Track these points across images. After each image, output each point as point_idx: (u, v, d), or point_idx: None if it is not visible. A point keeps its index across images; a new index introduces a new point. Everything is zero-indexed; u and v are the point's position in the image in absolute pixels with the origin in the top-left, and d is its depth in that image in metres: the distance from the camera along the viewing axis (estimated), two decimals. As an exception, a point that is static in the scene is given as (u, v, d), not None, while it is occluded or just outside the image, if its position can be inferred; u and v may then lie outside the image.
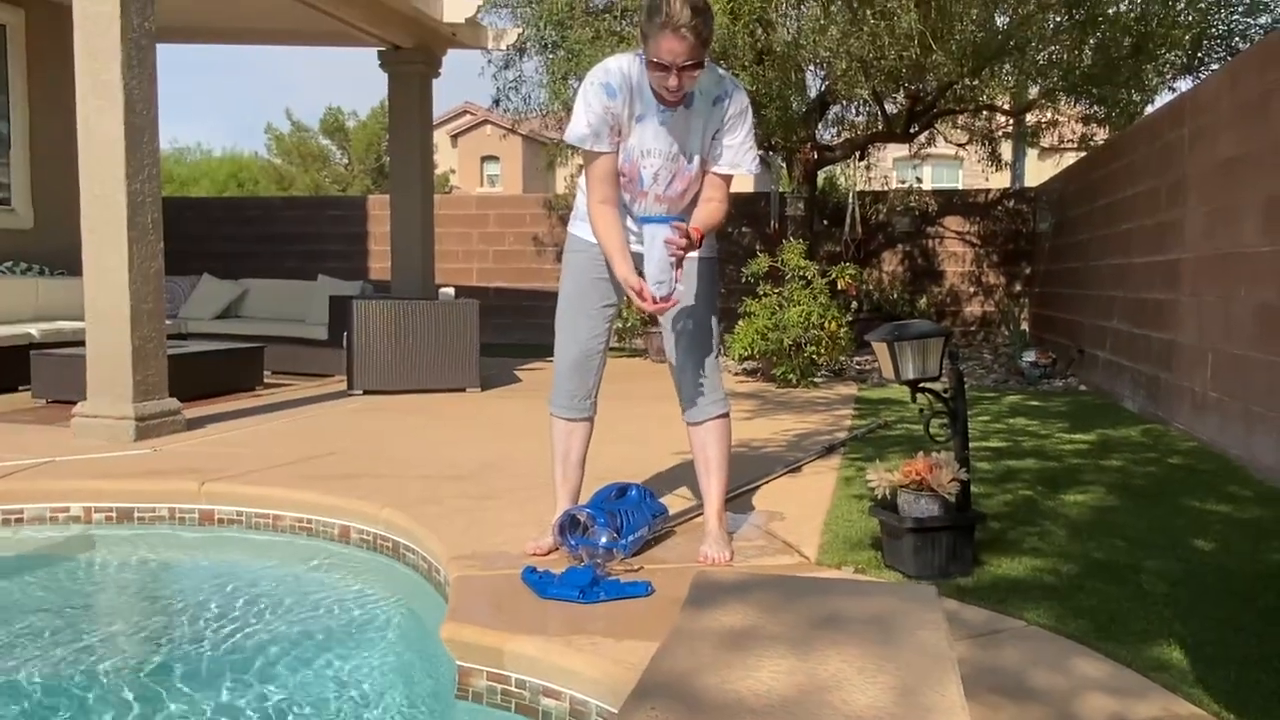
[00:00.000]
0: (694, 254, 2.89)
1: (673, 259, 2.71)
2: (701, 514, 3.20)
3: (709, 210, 2.90)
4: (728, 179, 2.92)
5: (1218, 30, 8.77)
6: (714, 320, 3.08)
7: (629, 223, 2.98)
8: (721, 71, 2.89)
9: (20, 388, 6.81)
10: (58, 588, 3.51)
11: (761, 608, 2.23)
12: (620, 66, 2.78)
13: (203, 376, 6.64)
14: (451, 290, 7.69)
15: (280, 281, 9.70)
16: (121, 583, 3.64)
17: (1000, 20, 7.86)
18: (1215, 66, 8.55)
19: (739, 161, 2.87)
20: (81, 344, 5.39)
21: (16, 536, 3.94)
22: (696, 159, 2.88)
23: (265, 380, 7.49)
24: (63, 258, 8.15)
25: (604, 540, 2.87)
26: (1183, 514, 3.66)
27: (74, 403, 5.34)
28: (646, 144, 2.84)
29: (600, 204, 2.87)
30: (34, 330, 7.12)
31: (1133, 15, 8.05)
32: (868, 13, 7.11)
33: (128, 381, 5.12)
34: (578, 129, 2.79)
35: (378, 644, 3.02)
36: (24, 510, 4.00)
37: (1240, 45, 8.70)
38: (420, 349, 7.16)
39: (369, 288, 9.23)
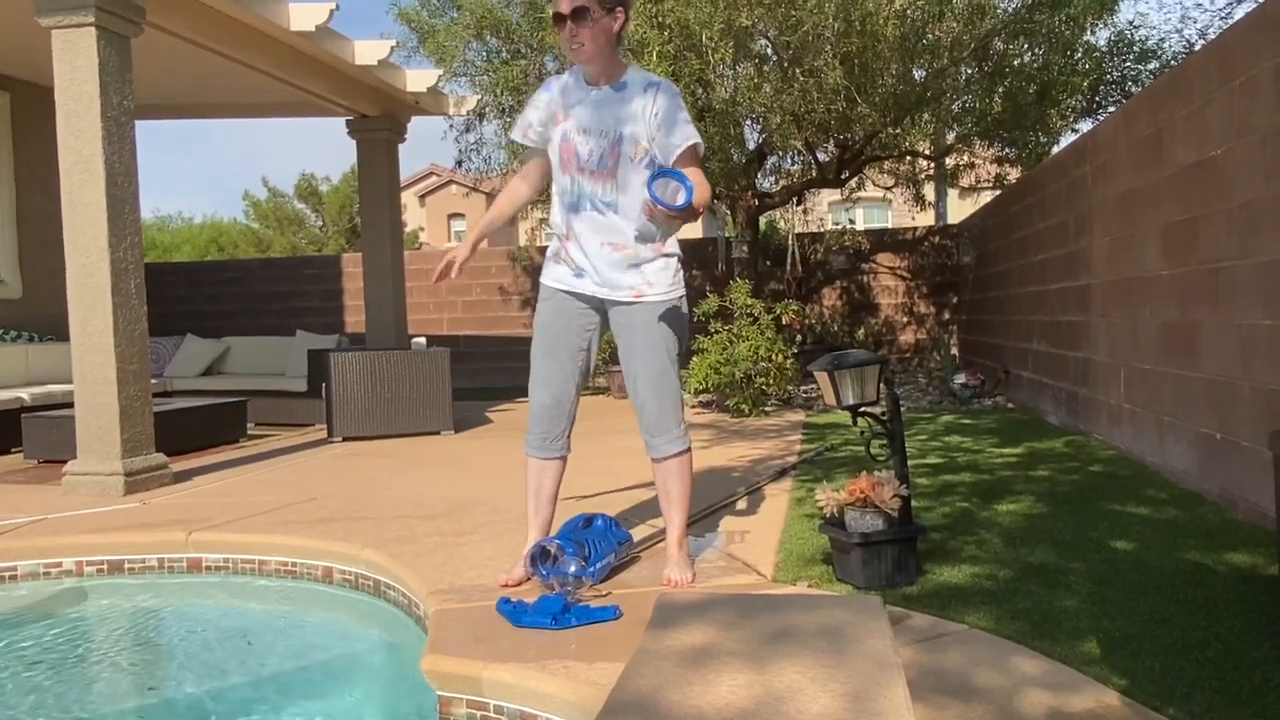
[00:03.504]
0: (655, 296, 3.01)
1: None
2: (665, 540, 3.18)
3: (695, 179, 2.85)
4: (690, 153, 2.92)
5: (1113, 76, 9.05)
6: (673, 360, 3.09)
7: (557, 217, 3.05)
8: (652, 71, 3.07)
9: (12, 450, 6.66)
10: (51, 640, 3.40)
11: (720, 626, 2.22)
12: (559, 76, 3.12)
13: (188, 431, 6.53)
14: (423, 340, 7.64)
15: (260, 338, 9.57)
16: (113, 631, 3.53)
17: (917, 74, 8.03)
18: (1112, 109, 8.80)
19: (688, 134, 2.93)
20: (71, 405, 5.29)
21: (11, 594, 3.82)
22: (627, 138, 2.93)
23: (249, 432, 7.37)
24: (51, 324, 8.01)
25: (573, 569, 2.84)
26: (1105, 518, 3.70)
27: (65, 462, 5.22)
28: (583, 122, 2.99)
29: (516, 177, 3.21)
30: (24, 394, 6.97)
31: (1036, 65, 8.27)
32: (797, 71, 7.25)
33: (116, 439, 5.02)
34: (523, 117, 3.10)
35: (362, 677, 2.97)
36: (18, 567, 3.89)
37: (1133, 89, 8.97)
38: (395, 396, 7.10)
39: (345, 340, 9.15)
